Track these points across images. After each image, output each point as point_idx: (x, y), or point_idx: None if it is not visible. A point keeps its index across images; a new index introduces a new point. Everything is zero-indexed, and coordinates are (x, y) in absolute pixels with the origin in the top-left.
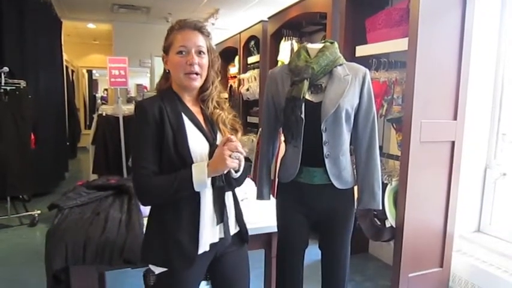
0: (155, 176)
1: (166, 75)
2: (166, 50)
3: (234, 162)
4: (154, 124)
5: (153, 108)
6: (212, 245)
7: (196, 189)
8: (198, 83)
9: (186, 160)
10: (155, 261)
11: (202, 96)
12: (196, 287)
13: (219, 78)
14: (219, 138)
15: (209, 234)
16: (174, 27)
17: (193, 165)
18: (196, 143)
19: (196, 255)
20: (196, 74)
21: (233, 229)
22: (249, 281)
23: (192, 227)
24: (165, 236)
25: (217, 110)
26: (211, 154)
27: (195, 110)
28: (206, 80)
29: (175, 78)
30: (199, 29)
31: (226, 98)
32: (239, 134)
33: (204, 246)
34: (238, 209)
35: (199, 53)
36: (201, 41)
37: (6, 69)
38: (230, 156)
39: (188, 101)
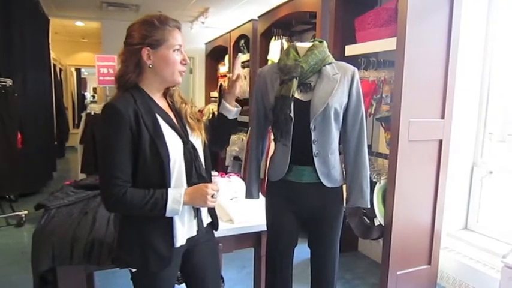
0: (129, 189)
1: (140, 69)
2: (154, 44)
3: (213, 202)
4: (129, 130)
5: (129, 112)
6: (188, 239)
7: (168, 215)
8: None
9: (163, 161)
10: (131, 263)
11: (170, 90)
12: (172, 281)
13: None
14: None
15: (185, 229)
16: (166, 23)
17: (169, 192)
18: (172, 143)
19: (172, 256)
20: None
21: (206, 220)
22: (219, 269)
23: (166, 225)
24: (140, 236)
25: (184, 105)
26: (185, 152)
27: (164, 105)
28: None
29: (164, 73)
30: (180, 29)
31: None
32: (201, 124)
33: (179, 242)
34: None
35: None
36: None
37: None
38: (213, 196)
39: (158, 97)
